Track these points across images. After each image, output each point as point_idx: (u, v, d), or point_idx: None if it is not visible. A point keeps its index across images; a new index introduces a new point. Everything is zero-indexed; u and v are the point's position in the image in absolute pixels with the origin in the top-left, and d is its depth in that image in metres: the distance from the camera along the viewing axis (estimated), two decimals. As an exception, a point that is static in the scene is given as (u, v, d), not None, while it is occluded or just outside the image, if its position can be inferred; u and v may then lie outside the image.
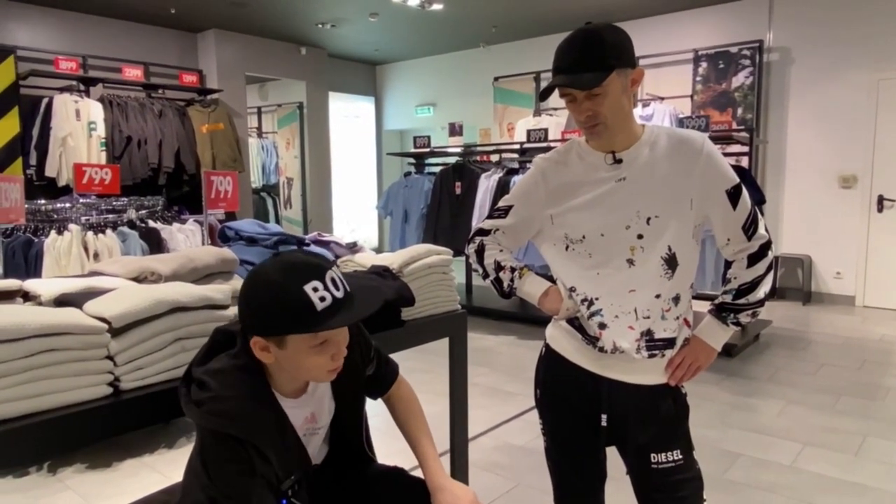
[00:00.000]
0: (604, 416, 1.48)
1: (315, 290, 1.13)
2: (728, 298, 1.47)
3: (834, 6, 6.19)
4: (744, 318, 1.47)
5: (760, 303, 1.45)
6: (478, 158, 6.46)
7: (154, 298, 1.42)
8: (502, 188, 5.31)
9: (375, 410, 1.57)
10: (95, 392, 1.35)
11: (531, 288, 1.54)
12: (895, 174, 6.02)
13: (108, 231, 2.80)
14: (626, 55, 1.34)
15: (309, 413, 1.33)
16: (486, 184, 5.50)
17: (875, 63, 6.03)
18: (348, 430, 1.45)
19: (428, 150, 6.30)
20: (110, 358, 1.38)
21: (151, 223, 2.97)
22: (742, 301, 1.45)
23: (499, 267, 1.57)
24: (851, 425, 3.36)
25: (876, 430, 3.28)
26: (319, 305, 1.13)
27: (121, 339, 1.39)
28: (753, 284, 1.44)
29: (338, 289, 1.17)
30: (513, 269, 1.56)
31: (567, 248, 1.46)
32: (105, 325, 1.36)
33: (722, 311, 1.49)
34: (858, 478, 2.78)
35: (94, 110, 6.11)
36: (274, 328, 1.16)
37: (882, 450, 3.06)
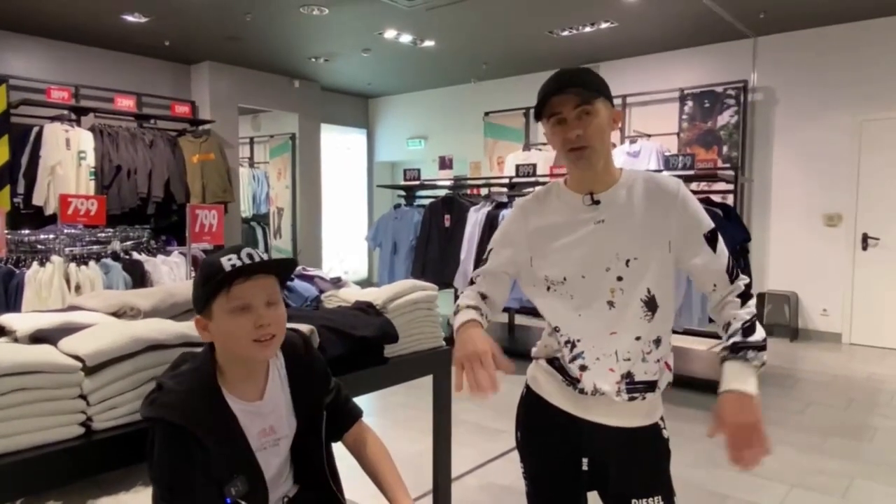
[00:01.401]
0: (585, 460, 1.46)
1: (229, 259, 1.26)
2: (738, 338, 1.35)
3: (817, 49, 6.34)
4: (762, 356, 1.33)
5: (765, 344, 1.35)
6: (467, 192, 6.50)
7: (130, 336, 1.40)
8: (491, 222, 5.33)
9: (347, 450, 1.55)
10: (66, 432, 1.32)
11: (458, 319, 1.42)
12: (879, 213, 6.10)
13: (91, 263, 2.78)
14: (607, 91, 1.41)
15: (267, 425, 1.36)
16: (475, 217, 5.51)
17: (858, 104, 6.16)
18: (312, 459, 1.44)
19: (418, 182, 6.34)
20: (83, 397, 1.35)
21: (135, 255, 2.94)
22: (752, 340, 1.34)
23: (456, 310, 1.50)
24: (839, 467, 3.33)
25: (863, 472, 3.26)
26: (227, 266, 1.25)
27: (94, 378, 1.36)
28: (753, 323, 1.37)
29: (252, 259, 1.27)
30: (459, 307, 1.48)
31: (549, 289, 1.46)
32: (79, 364, 1.34)
33: (738, 351, 1.34)
34: (846, 521, 2.75)
35: (84, 139, 6.11)
36: (202, 299, 1.29)
37: (869, 492, 3.03)
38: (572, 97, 1.35)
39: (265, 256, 1.31)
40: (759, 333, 1.36)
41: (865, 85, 6.11)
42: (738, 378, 1.31)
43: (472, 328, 1.38)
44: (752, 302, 1.41)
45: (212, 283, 1.25)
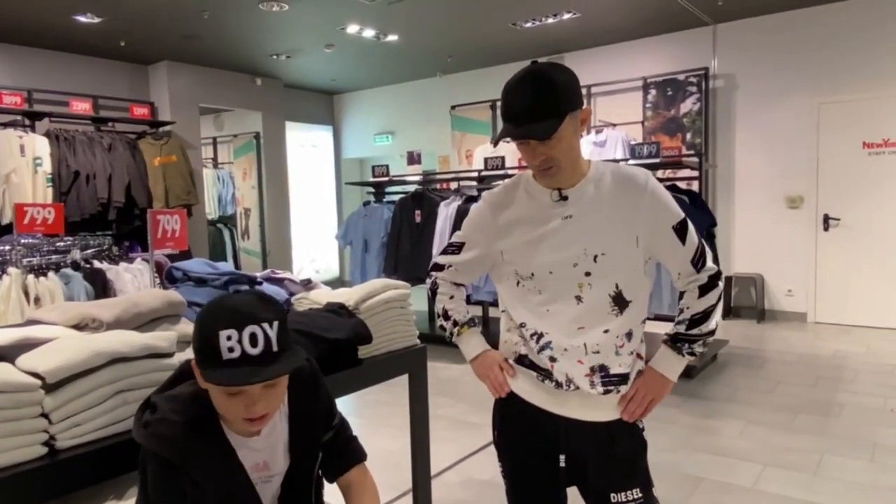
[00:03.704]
0: (562, 457, 1.46)
1: (228, 338, 1.12)
2: (682, 329, 1.47)
3: (774, 35, 6.46)
4: (698, 348, 1.48)
5: (712, 332, 1.47)
6: (437, 186, 6.47)
7: (91, 350, 1.34)
8: (461, 216, 5.30)
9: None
10: (28, 453, 1.27)
11: (466, 348, 1.60)
12: (839, 193, 6.26)
13: (51, 273, 2.68)
14: (575, 97, 1.34)
15: (261, 461, 1.30)
16: (446, 211, 5.50)
17: (815, 88, 6.29)
18: (301, 495, 1.38)
19: (387, 178, 6.29)
20: (45, 416, 1.30)
21: (97, 263, 2.85)
22: (695, 331, 1.46)
23: (446, 315, 1.61)
24: (809, 443, 3.41)
25: (832, 448, 3.34)
26: (225, 355, 1.12)
27: (56, 395, 1.31)
28: (706, 314, 1.45)
29: (255, 345, 1.13)
30: (455, 323, 1.60)
31: (518, 283, 1.46)
32: (38, 382, 1.28)
33: (677, 342, 1.48)
34: (818, 497, 2.81)
35: (39, 145, 5.92)
36: (196, 358, 1.19)
37: (839, 467, 3.11)
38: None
39: (271, 338, 1.15)
40: (710, 324, 1.45)
41: (822, 68, 6.24)
42: (667, 365, 1.49)
43: (487, 357, 1.57)
44: (714, 293, 1.44)
45: (205, 364, 1.15)
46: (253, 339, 1.13)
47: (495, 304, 5.73)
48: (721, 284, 1.46)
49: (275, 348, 1.16)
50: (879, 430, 3.56)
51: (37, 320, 1.79)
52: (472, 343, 1.59)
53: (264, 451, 1.30)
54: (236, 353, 1.12)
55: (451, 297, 1.60)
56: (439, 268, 1.61)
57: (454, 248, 1.58)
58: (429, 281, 1.64)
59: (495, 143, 1.40)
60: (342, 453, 1.43)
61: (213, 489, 1.20)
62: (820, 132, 6.31)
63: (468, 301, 1.56)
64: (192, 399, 1.23)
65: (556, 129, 1.29)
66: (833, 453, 3.27)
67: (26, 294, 2.64)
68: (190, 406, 1.22)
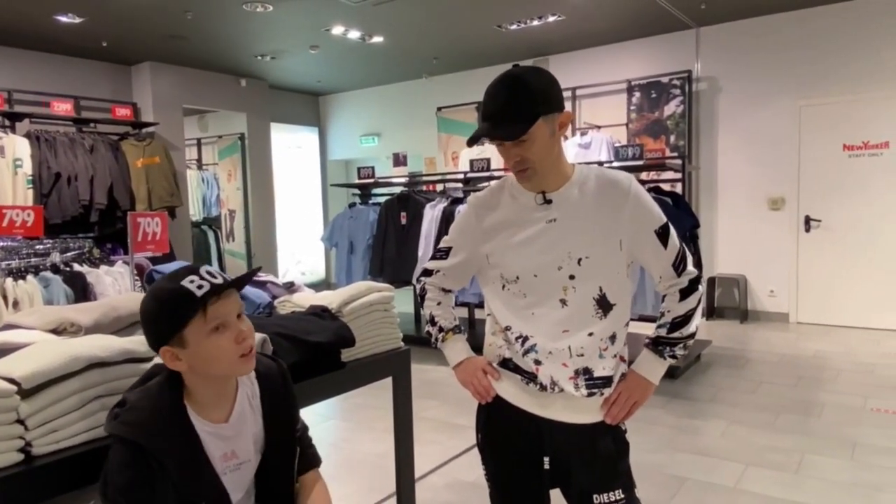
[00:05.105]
0: (546, 459, 1.47)
1: (192, 281, 1.21)
2: (663, 332, 1.49)
3: (756, 38, 6.53)
4: (679, 350, 1.49)
5: (692, 335, 1.48)
6: (423, 188, 6.47)
7: (69, 355, 1.33)
8: (447, 218, 5.32)
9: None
10: (4, 460, 1.25)
11: (450, 353, 1.60)
12: (820, 195, 6.34)
13: (30, 277, 2.64)
14: (552, 100, 1.35)
15: (229, 450, 1.32)
16: (431, 213, 5.50)
17: (797, 90, 6.37)
18: (280, 489, 1.40)
19: (372, 180, 6.28)
20: (21, 422, 1.28)
21: (77, 266, 2.81)
22: (677, 335, 1.47)
23: (432, 321, 1.61)
24: (791, 443, 3.45)
25: (813, 447, 3.38)
26: (199, 292, 1.20)
27: (32, 401, 1.29)
28: (686, 318, 1.46)
29: (215, 277, 1.24)
30: (441, 329, 1.60)
31: (503, 287, 1.46)
32: (13, 388, 1.26)
33: (658, 346, 1.50)
34: (800, 496, 2.84)
35: (19, 147, 5.84)
36: (169, 330, 1.22)
37: (820, 466, 3.15)
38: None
39: (221, 273, 1.28)
40: (690, 327, 1.47)
41: (803, 71, 6.32)
42: (650, 368, 1.50)
43: (470, 363, 1.56)
44: (695, 296, 1.46)
45: (185, 310, 1.20)
46: (210, 275, 1.23)
47: (481, 305, 5.74)
48: (701, 288, 1.48)
49: (228, 278, 1.26)
50: (860, 429, 3.61)
51: (14, 324, 1.77)
52: (456, 349, 1.59)
53: (234, 439, 1.32)
54: (206, 287, 1.20)
55: (439, 304, 1.61)
56: (428, 273, 1.62)
57: (442, 254, 1.59)
58: (418, 286, 1.65)
59: (469, 143, 1.41)
60: (303, 454, 1.47)
61: (178, 477, 1.21)
62: (801, 134, 6.39)
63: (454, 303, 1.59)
64: (159, 390, 1.26)
65: (525, 131, 1.31)
66: (814, 452, 3.31)
67: (4, 298, 2.60)
68: (157, 395, 1.25)
